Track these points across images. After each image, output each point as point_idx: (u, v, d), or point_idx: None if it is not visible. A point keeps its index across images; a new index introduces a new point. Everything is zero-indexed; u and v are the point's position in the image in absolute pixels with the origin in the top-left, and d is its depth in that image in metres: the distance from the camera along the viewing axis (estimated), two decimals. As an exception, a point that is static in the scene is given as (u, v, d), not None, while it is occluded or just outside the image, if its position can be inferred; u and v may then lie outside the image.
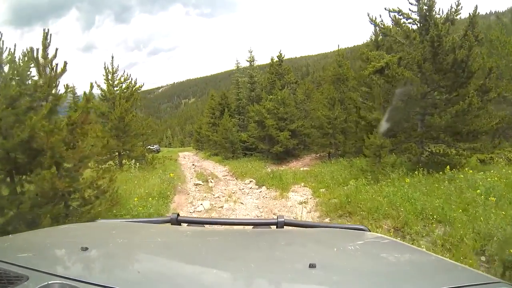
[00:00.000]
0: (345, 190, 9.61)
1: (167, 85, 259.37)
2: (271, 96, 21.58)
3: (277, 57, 26.75)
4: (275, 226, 1.41)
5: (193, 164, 23.00)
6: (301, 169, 16.10)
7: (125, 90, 16.11)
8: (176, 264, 0.98)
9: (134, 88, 16.35)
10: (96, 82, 16.21)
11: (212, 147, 29.03)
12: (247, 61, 27.43)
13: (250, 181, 12.40)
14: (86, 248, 0.95)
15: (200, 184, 12.30)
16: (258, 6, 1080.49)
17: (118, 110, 14.90)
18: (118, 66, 16.62)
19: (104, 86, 16.51)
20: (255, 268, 0.94)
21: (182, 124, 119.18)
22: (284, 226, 1.41)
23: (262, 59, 29.07)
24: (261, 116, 20.08)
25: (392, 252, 1.19)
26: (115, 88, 16.40)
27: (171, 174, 11.71)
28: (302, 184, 11.07)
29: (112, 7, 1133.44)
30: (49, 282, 0.73)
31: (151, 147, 50.66)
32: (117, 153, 16.12)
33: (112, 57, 16.72)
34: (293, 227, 1.54)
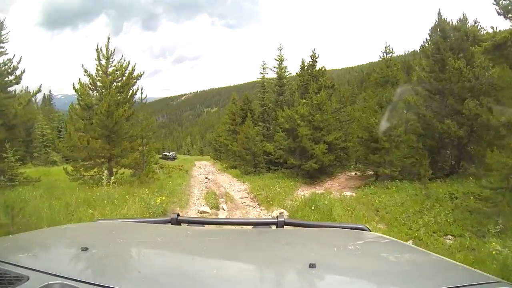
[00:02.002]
0: (456, 248, 5.39)
1: (190, 93, 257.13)
2: (304, 101, 17.52)
3: (311, 57, 22.67)
4: (275, 226, 1.36)
5: (206, 177, 19.10)
6: (345, 194, 11.85)
7: (118, 79, 12.34)
8: (176, 264, 0.97)
9: (131, 76, 12.56)
10: (83, 67, 12.65)
11: (230, 158, 24.99)
12: (276, 60, 23.41)
13: (281, 214, 8.24)
14: (86, 248, 0.93)
15: (207, 213, 8.34)
16: (283, 18, 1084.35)
17: (106, 101, 11.16)
18: (114, 50, 13.01)
19: (96, 73, 12.86)
20: (255, 268, 0.93)
21: (202, 133, 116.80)
22: (284, 226, 1.36)
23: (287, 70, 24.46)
24: (293, 123, 15.96)
25: (392, 252, 1.16)
26: (109, 77, 12.69)
27: (159, 200, 7.72)
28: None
29: (139, 15, 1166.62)
30: (49, 282, 0.72)
31: (168, 154, 48.42)
32: (107, 159, 12.39)
33: (108, 38, 13.17)
34: (293, 227, 1.51)
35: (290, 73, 23.60)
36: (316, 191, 13.11)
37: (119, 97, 12.02)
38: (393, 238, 1.39)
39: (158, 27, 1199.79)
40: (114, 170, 12.62)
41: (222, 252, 1.07)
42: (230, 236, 1.33)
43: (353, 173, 21.33)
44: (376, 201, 9.10)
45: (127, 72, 12.52)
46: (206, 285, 0.78)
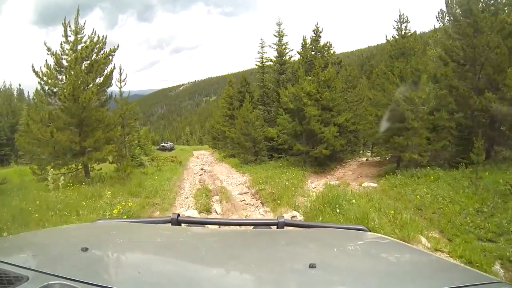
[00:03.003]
0: None
1: (188, 83, 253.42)
2: (309, 78, 15.28)
3: (313, 31, 20.27)
4: (275, 227, 1.32)
5: (202, 169, 17.09)
6: (367, 185, 9.81)
7: (85, 57, 10.14)
8: (176, 264, 0.95)
9: (102, 52, 10.36)
10: (46, 44, 10.46)
11: (228, 146, 22.88)
12: (275, 36, 21.07)
13: (292, 218, 6.22)
14: (86, 249, 0.90)
15: (194, 220, 6.27)
16: (280, 4, 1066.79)
17: (70, 83, 9.04)
18: (85, 23, 10.81)
19: (61, 50, 10.67)
20: (255, 268, 0.90)
21: (202, 122, 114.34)
22: (285, 227, 1.31)
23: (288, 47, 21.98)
24: (299, 102, 13.76)
25: (392, 252, 1.14)
26: (75, 54, 10.48)
27: (117, 209, 5.63)
28: (427, 243, 4.72)
29: (134, 6, 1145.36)
30: (49, 283, 0.71)
31: (165, 145, 46.74)
32: (80, 154, 10.30)
33: (78, 10, 10.93)
34: (293, 227, 1.46)
35: (291, 49, 21.26)
36: (329, 182, 11.10)
37: (88, 77, 9.88)
38: (393, 239, 1.33)
39: (153, 18, 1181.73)
40: (92, 165, 10.61)
41: (222, 252, 1.04)
42: (230, 236, 1.29)
43: (365, 159, 19.31)
44: (417, 196, 7.01)
45: (97, 47, 10.33)
46: (205, 285, 0.76)
